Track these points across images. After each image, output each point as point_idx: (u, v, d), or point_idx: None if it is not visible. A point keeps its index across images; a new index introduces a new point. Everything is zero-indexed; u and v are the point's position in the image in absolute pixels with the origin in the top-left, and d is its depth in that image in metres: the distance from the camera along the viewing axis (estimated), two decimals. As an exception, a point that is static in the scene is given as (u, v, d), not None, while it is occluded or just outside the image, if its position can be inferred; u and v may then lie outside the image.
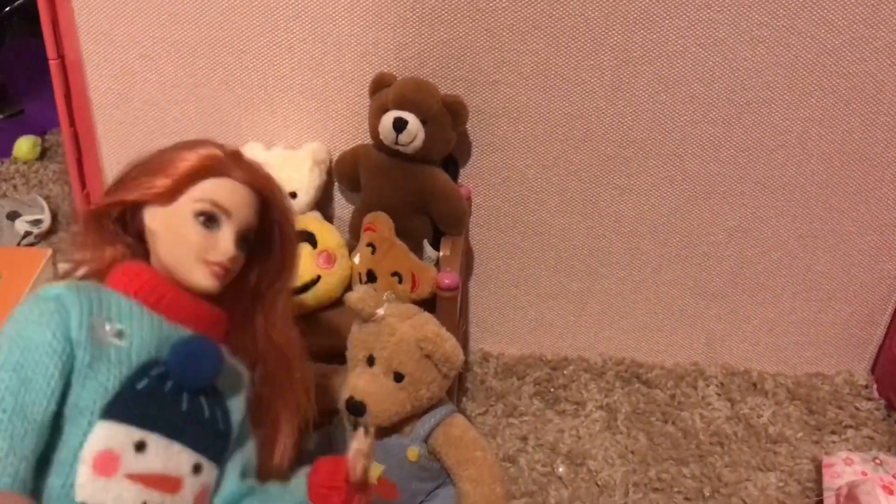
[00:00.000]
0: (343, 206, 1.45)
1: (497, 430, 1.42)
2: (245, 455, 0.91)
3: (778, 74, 1.28)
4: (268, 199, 0.91)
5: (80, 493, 0.74)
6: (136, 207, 0.88)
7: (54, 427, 0.75)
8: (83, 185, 1.67)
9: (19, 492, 0.70)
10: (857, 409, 1.48)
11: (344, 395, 1.14)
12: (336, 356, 1.22)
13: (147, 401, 0.78)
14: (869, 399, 1.50)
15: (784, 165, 1.36)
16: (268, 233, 0.93)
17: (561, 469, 1.35)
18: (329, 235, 1.32)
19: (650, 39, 1.27)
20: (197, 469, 0.82)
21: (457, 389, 1.43)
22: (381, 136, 1.27)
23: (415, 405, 1.13)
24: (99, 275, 0.87)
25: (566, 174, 1.40)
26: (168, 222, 0.86)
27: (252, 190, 0.89)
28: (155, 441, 0.78)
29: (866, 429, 1.44)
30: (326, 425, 1.27)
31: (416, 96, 1.25)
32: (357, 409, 1.12)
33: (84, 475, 0.74)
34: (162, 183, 0.85)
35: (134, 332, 0.80)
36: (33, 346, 0.75)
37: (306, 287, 1.28)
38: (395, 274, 1.29)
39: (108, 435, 0.75)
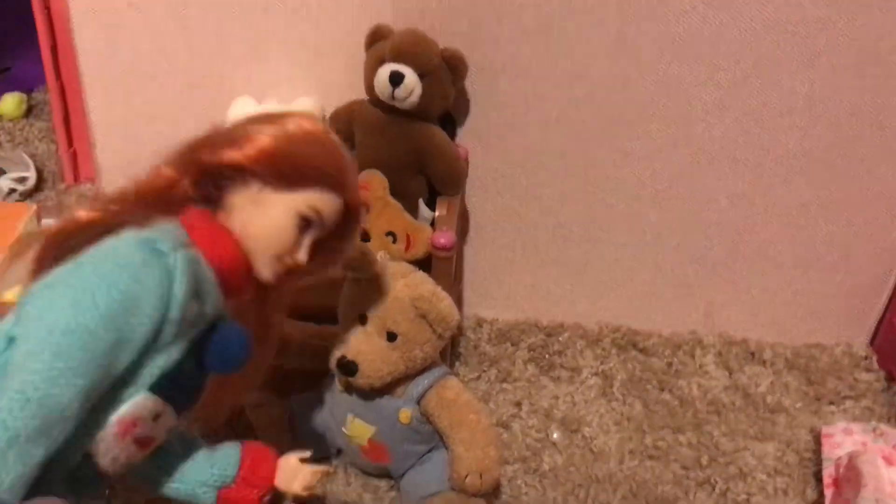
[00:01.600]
0: (337, 164, 1.42)
1: (490, 396, 1.40)
2: None
3: (787, 34, 1.24)
4: (352, 213, 0.88)
5: (94, 444, 0.74)
6: (235, 174, 0.81)
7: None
8: (69, 140, 1.63)
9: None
10: (856, 380, 1.46)
11: (335, 354, 1.11)
12: (328, 316, 1.19)
13: (182, 380, 0.78)
14: (868, 370, 1.48)
15: (790, 130, 1.32)
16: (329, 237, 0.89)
17: (555, 435, 1.33)
18: (322, 193, 1.28)
19: (657, -5, 1.23)
20: (171, 429, 0.83)
21: (450, 354, 1.41)
22: (377, 91, 1.23)
23: (408, 366, 1.11)
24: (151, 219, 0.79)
25: (567, 136, 1.36)
26: (269, 208, 0.81)
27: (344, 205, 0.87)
28: (168, 413, 0.78)
29: (865, 400, 1.42)
30: (318, 386, 1.24)
31: (414, 49, 1.21)
32: (349, 368, 1.09)
33: (106, 433, 0.74)
34: (292, 173, 0.81)
35: (207, 312, 0.79)
36: (138, 310, 0.71)
37: (298, 245, 1.24)
38: (389, 234, 1.26)
39: (143, 406, 0.75)
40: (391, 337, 1.09)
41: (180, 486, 0.90)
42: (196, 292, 0.76)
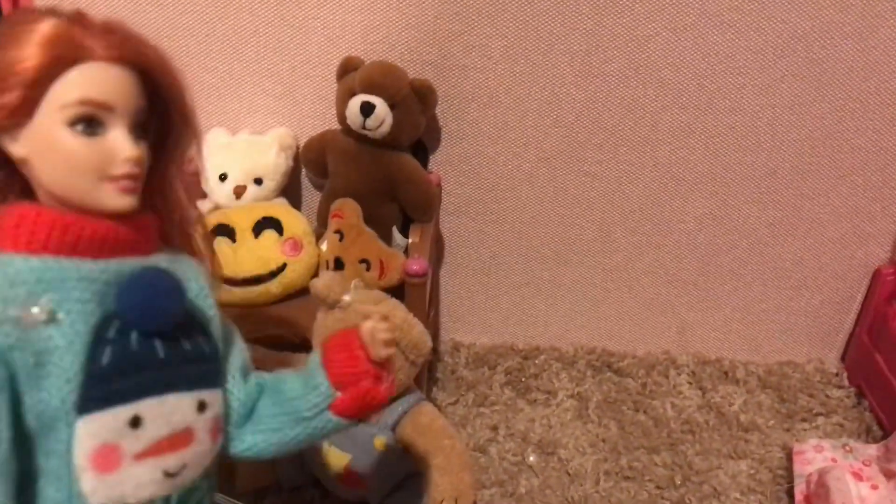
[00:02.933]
0: (310, 193, 1.43)
1: (468, 420, 1.41)
2: (236, 355, 0.77)
3: (748, 59, 1.27)
4: (148, 69, 0.67)
5: (93, 499, 0.63)
6: None
7: (21, 444, 0.61)
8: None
9: None
10: (827, 396, 1.48)
11: (309, 383, 1.12)
12: (302, 345, 1.20)
13: (121, 370, 0.63)
14: (839, 387, 1.51)
15: (755, 152, 1.35)
16: (157, 107, 0.70)
17: (532, 458, 1.34)
18: (296, 222, 1.30)
19: (620, 23, 1.25)
20: (202, 407, 0.68)
21: (427, 379, 1.42)
22: (349, 121, 1.25)
23: (382, 393, 1.11)
24: None
25: (536, 161, 1.38)
26: (40, 144, 0.63)
27: (126, 65, 0.65)
28: (148, 407, 0.64)
29: (836, 416, 1.44)
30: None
31: (384, 80, 1.23)
32: (323, 397, 1.10)
33: (90, 481, 0.62)
34: (9, 98, 0.62)
35: (67, 299, 0.62)
36: None
37: (272, 275, 1.25)
38: (363, 261, 1.27)
39: (95, 430, 0.61)
40: (364, 365, 1.10)
41: (291, 433, 0.76)
42: (21, 293, 0.60)
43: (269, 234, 1.26)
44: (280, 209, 1.30)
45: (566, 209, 1.43)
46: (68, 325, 0.61)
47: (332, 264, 1.28)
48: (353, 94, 1.24)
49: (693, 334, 1.55)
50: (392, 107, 1.23)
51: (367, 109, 1.22)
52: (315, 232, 1.33)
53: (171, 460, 0.66)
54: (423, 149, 1.38)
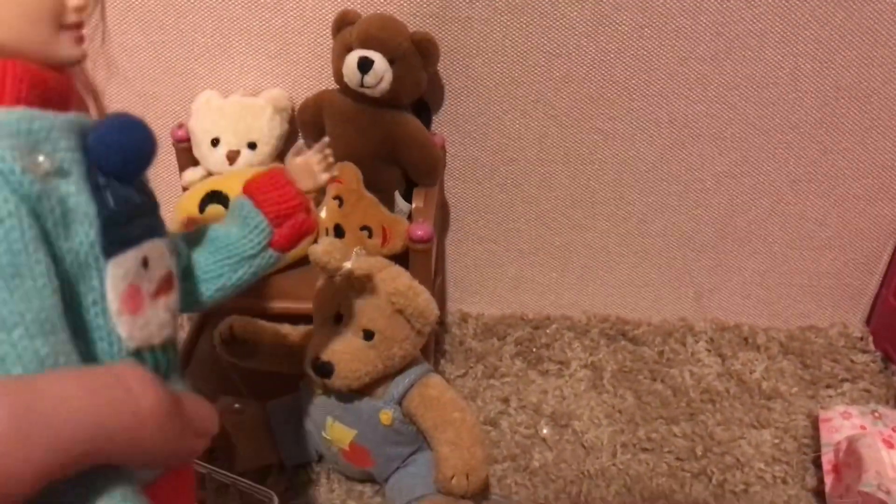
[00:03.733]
0: (307, 158, 1.36)
1: (477, 393, 1.35)
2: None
3: (769, 4, 1.20)
4: None
5: (130, 342, 0.62)
6: None
7: (64, 298, 0.59)
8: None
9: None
10: (852, 361, 1.42)
11: (310, 356, 1.06)
12: (302, 317, 1.14)
13: (126, 213, 0.64)
14: (864, 351, 1.44)
15: (776, 104, 1.28)
16: None
17: (545, 430, 1.28)
18: (293, 188, 1.23)
19: (633, -31, 1.18)
20: (173, 251, 0.71)
21: (434, 351, 1.36)
22: (346, 79, 1.18)
23: (387, 364, 1.06)
24: None
25: (545, 119, 1.31)
26: None
27: None
28: (149, 249, 0.66)
29: (863, 382, 1.38)
30: (295, 390, 1.19)
31: (382, 34, 1.16)
32: (324, 370, 1.04)
33: (126, 324, 0.62)
34: None
35: (59, 149, 0.61)
36: None
37: (269, 244, 1.19)
38: (364, 228, 1.21)
39: (123, 271, 0.62)
40: (368, 335, 1.04)
41: (235, 276, 0.80)
42: (28, 144, 0.58)
43: (265, 201, 1.20)
44: (276, 174, 1.24)
45: (577, 170, 1.36)
46: (73, 174, 0.61)
47: (331, 232, 1.22)
48: (349, 50, 1.17)
49: (711, 299, 1.49)
50: (391, 62, 1.16)
51: (364, 65, 1.15)
52: (313, 199, 1.26)
53: (171, 299, 0.68)
54: (425, 108, 1.31)
